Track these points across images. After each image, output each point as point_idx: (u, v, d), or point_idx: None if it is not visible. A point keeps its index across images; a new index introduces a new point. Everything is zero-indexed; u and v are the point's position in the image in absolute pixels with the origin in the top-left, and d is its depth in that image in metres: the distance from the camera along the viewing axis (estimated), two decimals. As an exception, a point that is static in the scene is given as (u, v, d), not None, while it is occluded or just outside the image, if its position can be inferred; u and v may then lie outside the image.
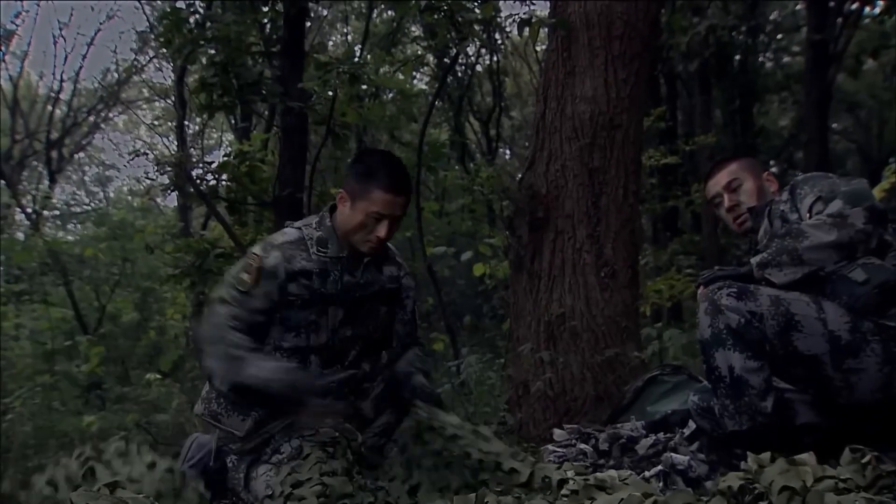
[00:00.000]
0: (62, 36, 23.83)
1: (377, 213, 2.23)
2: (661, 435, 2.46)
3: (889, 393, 1.86)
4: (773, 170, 13.63)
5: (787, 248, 1.95)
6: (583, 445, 2.50)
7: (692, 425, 2.35)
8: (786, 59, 13.33)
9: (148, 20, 11.88)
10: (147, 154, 6.48)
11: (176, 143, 11.95)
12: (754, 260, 2.02)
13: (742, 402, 1.92)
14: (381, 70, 7.91)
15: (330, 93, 5.27)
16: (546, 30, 3.67)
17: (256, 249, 2.29)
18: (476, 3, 5.23)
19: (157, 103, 17.79)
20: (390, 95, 8.52)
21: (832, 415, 1.96)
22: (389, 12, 9.85)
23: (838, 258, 1.92)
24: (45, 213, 15.03)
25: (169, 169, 5.48)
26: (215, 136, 16.57)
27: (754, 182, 2.36)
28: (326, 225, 2.33)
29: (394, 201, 2.24)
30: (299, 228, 2.36)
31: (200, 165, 6.15)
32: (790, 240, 1.96)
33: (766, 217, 2.24)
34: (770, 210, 2.23)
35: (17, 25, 19.60)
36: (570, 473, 1.78)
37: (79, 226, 16.39)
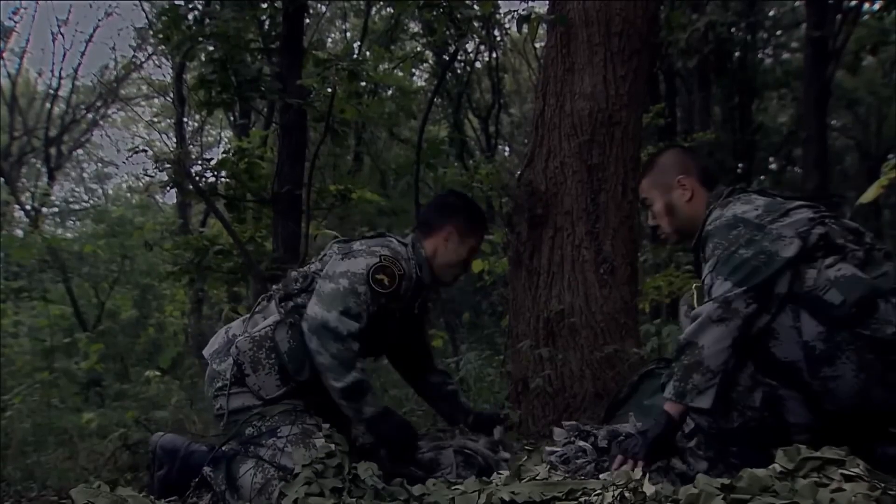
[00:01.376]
0: (60, 33, 23.76)
1: (477, 248, 2.65)
2: None
3: (866, 397, 1.85)
4: (773, 166, 13.64)
5: (692, 366, 1.90)
6: (582, 443, 2.50)
7: (690, 422, 2.35)
8: (785, 55, 13.31)
9: (146, 17, 11.85)
10: (146, 151, 6.44)
11: (175, 139, 11.96)
12: (668, 393, 1.96)
13: (730, 399, 1.93)
14: (380, 67, 7.90)
15: (329, 89, 5.26)
16: (545, 26, 3.66)
17: (386, 252, 2.42)
18: (475, 0, 5.22)
19: (155, 100, 17.74)
20: (389, 92, 8.52)
21: (820, 415, 1.96)
22: (388, 9, 9.84)
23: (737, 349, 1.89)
24: (44, 210, 15.01)
25: (168, 166, 5.46)
26: (214, 132, 16.57)
27: (661, 201, 2.28)
28: (421, 254, 2.55)
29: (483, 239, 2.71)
30: (400, 244, 2.55)
31: (199, 162, 6.15)
32: (688, 357, 1.91)
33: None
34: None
35: (15, 22, 19.55)
36: None
37: (78, 223, 16.37)
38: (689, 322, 1.96)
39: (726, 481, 1.53)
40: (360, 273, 2.34)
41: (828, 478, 1.49)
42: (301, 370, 2.32)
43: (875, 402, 1.85)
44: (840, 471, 1.51)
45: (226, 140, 14.55)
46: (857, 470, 1.50)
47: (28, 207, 13.69)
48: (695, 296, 2.17)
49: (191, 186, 5.63)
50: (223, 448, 2.28)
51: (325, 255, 2.55)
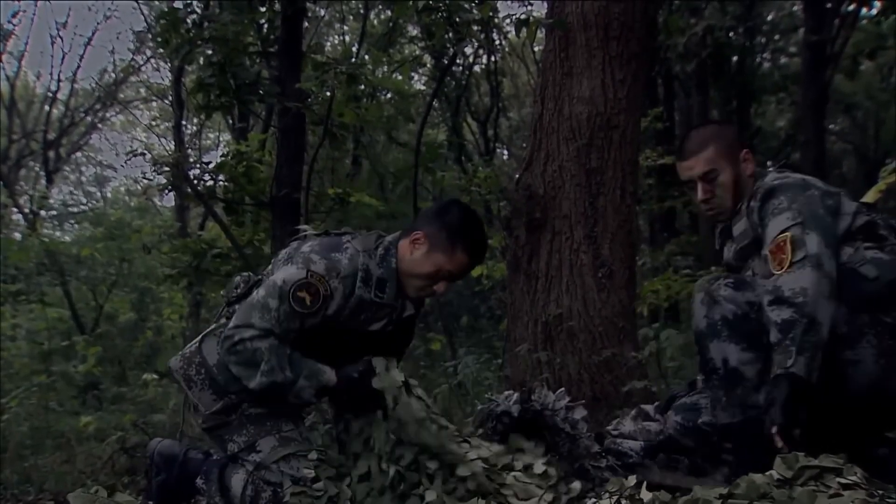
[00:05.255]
0: (59, 36, 23.72)
1: (450, 272, 2.19)
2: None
3: (882, 387, 1.84)
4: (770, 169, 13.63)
5: (819, 344, 1.78)
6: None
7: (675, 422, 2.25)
8: (783, 59, 13.32)
9: (145, 20, 11.88)
10: (144, 154, 6.45)
11: (173, 143, 11.94)
12: (796, 368, 1.77)
13: (735, 394, 1.92)
14: (379, 70, 7.91)
15: (327, 93, 5.27)
16: (543, 30, 3.67)
17: (320, 269, 2.11)
18: (474, 4, 5.22)
19: (154, 103, 17.74)
20: (388, 96, 8.52)
21: (820, 412, 1.95)
22: (387, 12, 9.85)
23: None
24: (42, 213, 15.01)
25: (166, 169, 5.47)
26: (212, 136, 16.54)
27: (731, 172, 2.16)
28: (391, 267, 2.19)
29: (469, 267, 2.24)
30: (358, 253, 2.19)
31: (198, 165, 6.14)
32: (813, 335, 1.77)
33: (746, 216, 2.11)
34: (749, 206, 2.10)
35: (14, 25, 19.56)
36: None
37: (76, 226, 16.35)
38: (773, 294, 1.82)
39: (724, 490, 1.53)
40: (281, 286, 2.09)
41: (825, 485, 1.49)
42: (231, 382, 2.18)
43: (890, 392, 1.84)
44: (838, 479, 1.51)
45: (224, 143, 14.53)
46: (854, 478, 1.50)
47: (26, 210, 13.70)
48: (769, 260, 1.96)
49: (189, 190, 5.64)
50: (214, 458, 2.27)
51: (284, 251, 2.34)
